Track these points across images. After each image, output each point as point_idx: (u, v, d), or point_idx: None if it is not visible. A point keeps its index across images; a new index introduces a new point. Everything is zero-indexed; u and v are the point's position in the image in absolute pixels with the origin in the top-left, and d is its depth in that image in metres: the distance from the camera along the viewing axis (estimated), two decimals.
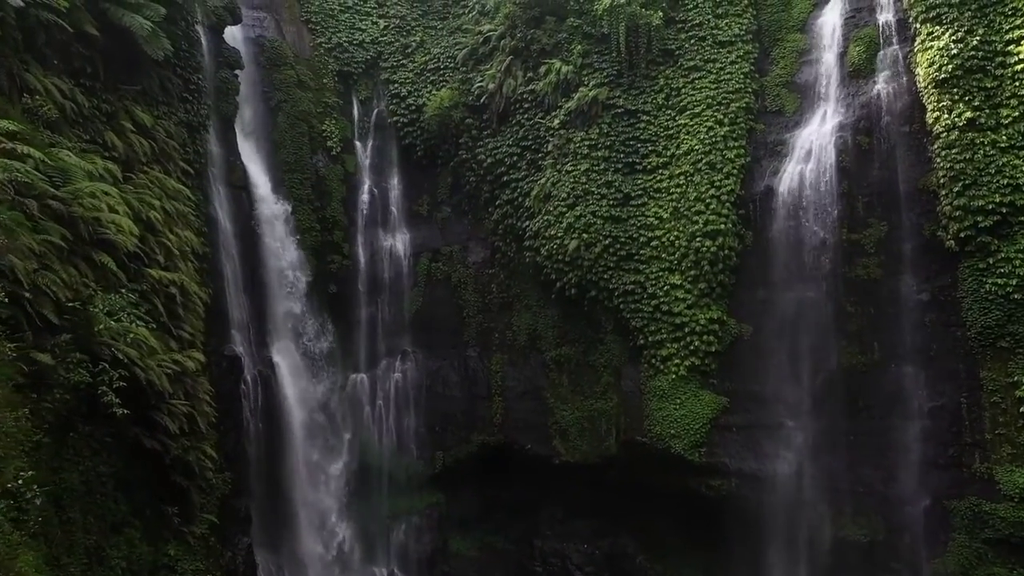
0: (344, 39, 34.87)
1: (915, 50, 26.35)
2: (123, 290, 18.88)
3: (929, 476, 26.06)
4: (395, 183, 35.29)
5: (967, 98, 25.00)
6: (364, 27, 35.22)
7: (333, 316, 32.98)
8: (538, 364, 32.38)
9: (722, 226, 28.65)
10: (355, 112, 35.01)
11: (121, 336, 17.63)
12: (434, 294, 34.63)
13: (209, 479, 21.86)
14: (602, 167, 30.52)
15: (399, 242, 34.80)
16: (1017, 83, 24.44)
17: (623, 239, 29.93)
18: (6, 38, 18.70)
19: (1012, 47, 24.60)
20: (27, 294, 15.14)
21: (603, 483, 31.58)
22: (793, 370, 28.06)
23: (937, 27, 25.70)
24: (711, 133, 29.32)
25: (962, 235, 24.94)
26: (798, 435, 28.08)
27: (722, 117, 29.35)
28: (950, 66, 25.18)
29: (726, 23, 30.24)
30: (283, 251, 31.00)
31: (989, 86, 24.88)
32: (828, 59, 28.73)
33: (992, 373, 24.81)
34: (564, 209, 30.59)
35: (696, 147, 29.41)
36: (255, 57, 32.19)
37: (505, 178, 32.67)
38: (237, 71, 29.84)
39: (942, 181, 25.35)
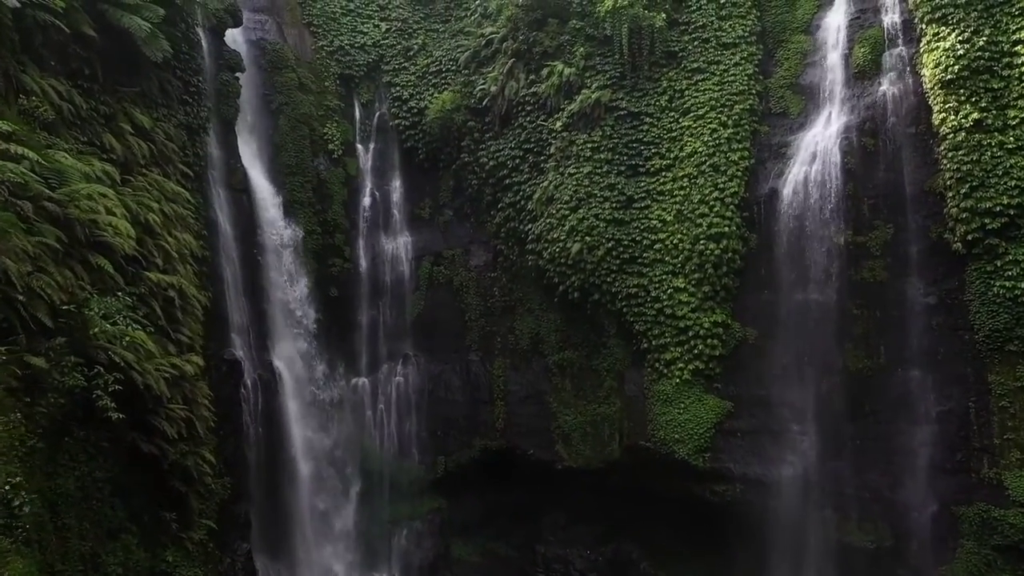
0: (346, 42, 34.76)
1: (921, 51, 26.12)
2: (120, 293, 18.71)
3: (937, 481, 25.74)
4: (397, 186, 35.15)
5: (974, 99, 24.75)
6: (366, 30, 35.11)
7: (334, 320, 32.79)
8: (541, 368, 32.17)
9: (726, 229, 28.42)
10: (357, 115, 34.90)
11: (117, 339, 17.46)
12: (436, 298, 34.45)
13: (208, 484, 21.72)
14: (605, 170, 30.32)
15: (401, 245, 34.65)
16: None
17: (626, 242, 29.72)
18: (2, 39, 18.57)
19: (1019, 48, 24.34)
20: (20, 297, 14.98)
21: (606, 488, 31.32)
22: (798, 374, 27.77)
23: (943, 28, 25.46)
24: (715, 135, 29.10)
25: (969, 237, 24.68)
26: (803, 440, 27.79)
27: (726, 119, 29.14)
28: (956, 67, 24.93)
29: (730, 25, 30.02)
30: (284, 254, 30.80)
31: (996, 87, 24.63)
32: (833, 60, 28.48)
33: (1001, 377, 24.50)
34: (567, 212, 30.39)
35: (700, 149, 29.20)
36: (256, 60, 32.08)
37: (507, 181, 32.50)
38: (238, 74, 29.75)
39: (949, 183, 25.09)
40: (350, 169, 34.02)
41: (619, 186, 30.12)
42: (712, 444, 28.30)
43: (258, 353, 29.19)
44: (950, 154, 25.01)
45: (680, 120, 29.95)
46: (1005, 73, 24.56)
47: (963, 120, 24.75)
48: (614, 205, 30.00)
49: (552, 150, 31.39)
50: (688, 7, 30.69)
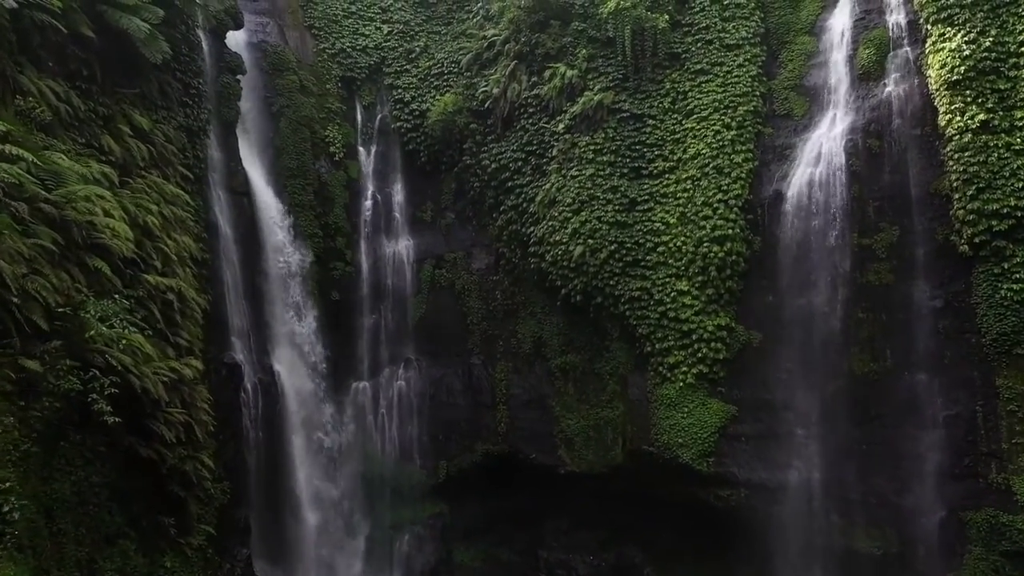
0: (347, 44, 34.64)
1: (926, 52, 25.91)
2: (118, 296, 18.44)
3: (944, 487, 25.45)
4: (399, 189, 35.00)
5: (980, 100, 24.55)
6: (367, 32, 34.99)
7: (336, 323, 32.60)
8: (543, 372, 31.94)
9: (730, 231, 28.20)
10: (358, 118, 34.78)
11: (114, 342, 17.21)
12: (438, 301, 34.26)
13: (207, 489, 21.46)
14: (608, 172, 30.13)
15: (402, 248, 34.47)
16: None
17: (629, 245, 29.51)
18: (0, 39, 18.40)
19: None
20: (15, 299, 14.77)
21: (609, 493, 31.08)
22: (803, 378, 27.52)
23: (949, 28, 25.25)
24: (718, 137, 28.91)
25: (976, 239, 24.43)
26: (809, 444, 27.51)
27: (729, 121, 28.95)
28: (962, 68, 24.72)
29: (733, 26, 29.85)
30: (285, 258, 30.62)
31: (1002, 88, 24.41)
32: (837, 61, 28.31)
33: (1008, 381, 24.24)
34: (569, 215, 30.19)
35: (703, 151, 29.00)
36: (257, 62, 31.94)
37: (509, 184, 32.32)
38: (239, 76, 29.60)
39: (955, 184, 24.86)
40: (351, 172, 33.87)
41: (622, 188, 29.92)
42: (716, 448, 28.05)
43: (258, 356, 29.01)
44: (956, 155, 24.79)
45: (683, 122, 29.77)
46: (1012, 74, 24.36)
47: (969, 121, 24.54)
48: (617, 208, 29.80)
49: (554, 152, 31.22)
50: (691, 8, 30.55)
